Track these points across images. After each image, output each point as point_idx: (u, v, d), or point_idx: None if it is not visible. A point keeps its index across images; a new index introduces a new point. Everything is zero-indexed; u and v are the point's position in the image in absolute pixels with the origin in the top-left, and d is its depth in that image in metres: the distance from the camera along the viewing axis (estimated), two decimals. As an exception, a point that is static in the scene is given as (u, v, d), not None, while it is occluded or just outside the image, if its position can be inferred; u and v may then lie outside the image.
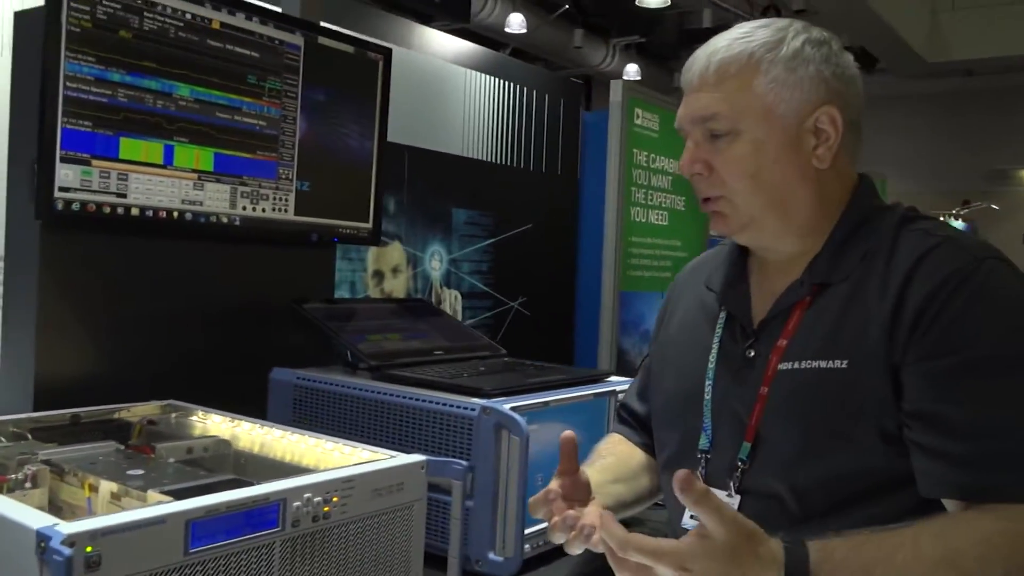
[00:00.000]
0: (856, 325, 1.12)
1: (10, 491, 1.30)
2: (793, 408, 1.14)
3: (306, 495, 1.26)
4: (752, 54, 1.18)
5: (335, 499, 1.30)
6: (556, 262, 4.69)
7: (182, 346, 1.97)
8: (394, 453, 1.46)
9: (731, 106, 1.18)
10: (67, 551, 0.98)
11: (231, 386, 1.90)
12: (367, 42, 2.24)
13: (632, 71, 10.58)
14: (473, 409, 1.63)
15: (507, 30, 8.94)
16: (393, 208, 3.87)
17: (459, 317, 4.29)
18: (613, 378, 1.98)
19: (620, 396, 1.87)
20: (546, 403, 1.73)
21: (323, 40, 2.12)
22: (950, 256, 1.10)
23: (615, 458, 1.43)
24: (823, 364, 1.12)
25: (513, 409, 1.62)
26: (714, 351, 1.28)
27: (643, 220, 4.73)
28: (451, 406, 1.66)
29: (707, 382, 1.26)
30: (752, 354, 1.22)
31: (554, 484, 1.18)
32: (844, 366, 1.10)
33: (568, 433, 1.17)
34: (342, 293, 3.67)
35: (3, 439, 1.48)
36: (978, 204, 10.46)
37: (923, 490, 1.05)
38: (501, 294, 4.47)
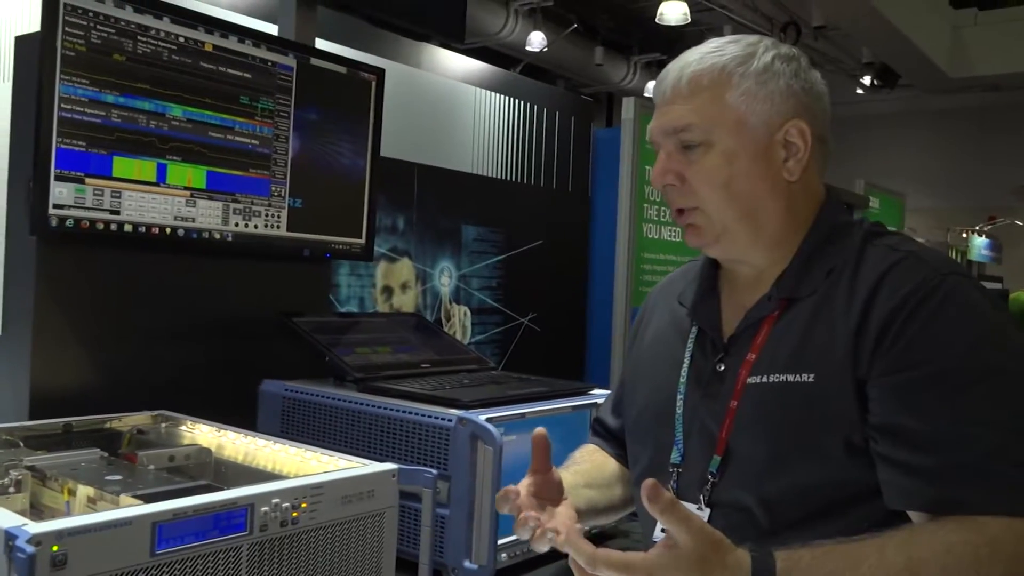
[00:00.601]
0: (822, 339, 1.13)
1: (-5, 495, 1.35)
2: (761, 421, 1.16)
3: (274, 500, 1.30)
4: (724, 67, 1.21)
5: (304, 505, 1.34)
6: (567, 278, 4.71)
7: (175, 358, 2.03)
8: (368, 462, 1.50)
9: (704, 117, 1.20)
10: (31, 549, 1.03)
11: (223, 397, 1.95)
12: (360, 63, 2.29)
13: (652, 88, 10.60)
14: (450, 420, 1.67)
15: (528, 48, 9.02)
16: (402, 225, 3.93)
17: (468, 333, 4.33)
18: (596, 391, 2.01)
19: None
20: (523, 415, 1.76)
21: (316, 61, 2.18)
22: (913, 270, 1.11)
23: (590, 464, 1.45)
24: (790, 378, 1.14)
25: (489, 420, 1.65)
26: (685, 366, 1.29)
27: (656, 236, 4.74)
28: (429, 417, 1.71)
29: (678, 396, 1.28)
30: (722, 368, 1.23)
31: (526, 481, 1.19)
32: (811, 380, 1.12)
33: (540, 430, 1.19)
34: (351, 308, 3.73)
35: (-5, 446, 1.55)
36: (1002, 220, 10.35)
37: (888, 502, 1.06)
38: (511, 310, 4.51)
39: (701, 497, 1.20)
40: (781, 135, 1.21)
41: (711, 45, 1.26)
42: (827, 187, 1.30)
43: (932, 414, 1.04)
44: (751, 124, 1.20)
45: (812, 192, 1.26)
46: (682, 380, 1.29)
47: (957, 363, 1.05)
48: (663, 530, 1.24)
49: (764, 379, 1.17)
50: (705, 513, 1.19)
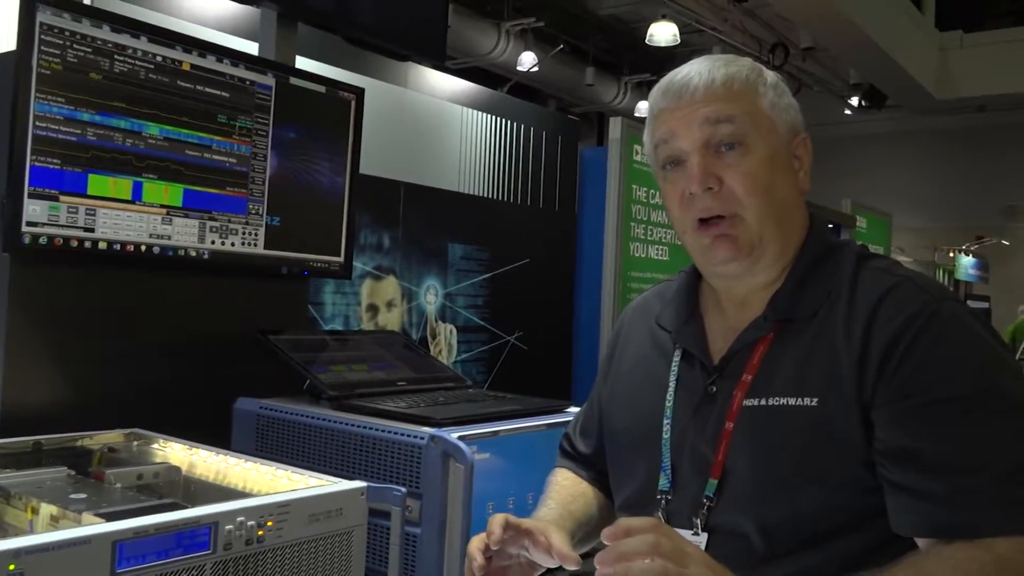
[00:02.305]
0: (824, 363, 1.12)
1: (-43, 513, 1.35)
2: (761, 445, 1.14)
3: (239, 519, 1.30)
4: (748, 77, 1.21)
5: (270, 523, 1.34)
6: (553, 297, 4.72)
7: (150, 376, 2.03)
8: (338, 480, 1.50)
9: (745, 115, 1.18)
10: (-14, 568, 1.02)
11: (198, 415, 1.95)
12: (339, 82, 2.30)
13: (643, 108, 10.69)
14: (422, 438, 1.67)
15: (519, 68, 9.07)
16: (388, 243, 3.94)
17: (454, 351, 4.34)
18: (571, 409, 2.01)
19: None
20: (496, 432, 1.76)
21: (295, 80, 2.19)
22: (912, 295, 1.11)
23: (569, 486, 1.43)
24: (792, 401, 1.12)
25: (461, 438, 1.65)
26: (671, 389, 1.27)
27: (643, 255, 4.75)
28: (401, 435, 1.70)
29: (665, 421, 1.25)
30: (715, 390, 1.21)
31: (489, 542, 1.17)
32: (815, 404, 1.11)
33: (497, 518, 1.16)
34: (336, 326, 3.73)
35: (-39, 464, 1.54)
36: (989, 240, 10.41)
37: (896, 527, 1.05)
38: (497, 328, 4.51)
39: (696, 522, 1.17)
40: (794, 146, 1.22)
41: (718, 60, 1.24)
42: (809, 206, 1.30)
43: (939, 439, 1.03)
44: (780, 131, 1.20)
45: (804, 210, 1.26)
46: (668, 404, 1.26)
47: (965, 388, 1.05)
48: None
49: (762, 402, 1.15)
50: (702, 539, 1.16)
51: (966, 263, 10.91)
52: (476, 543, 1.17)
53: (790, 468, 1.11)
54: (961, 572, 0.98)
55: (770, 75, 1.23)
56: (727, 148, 1.17)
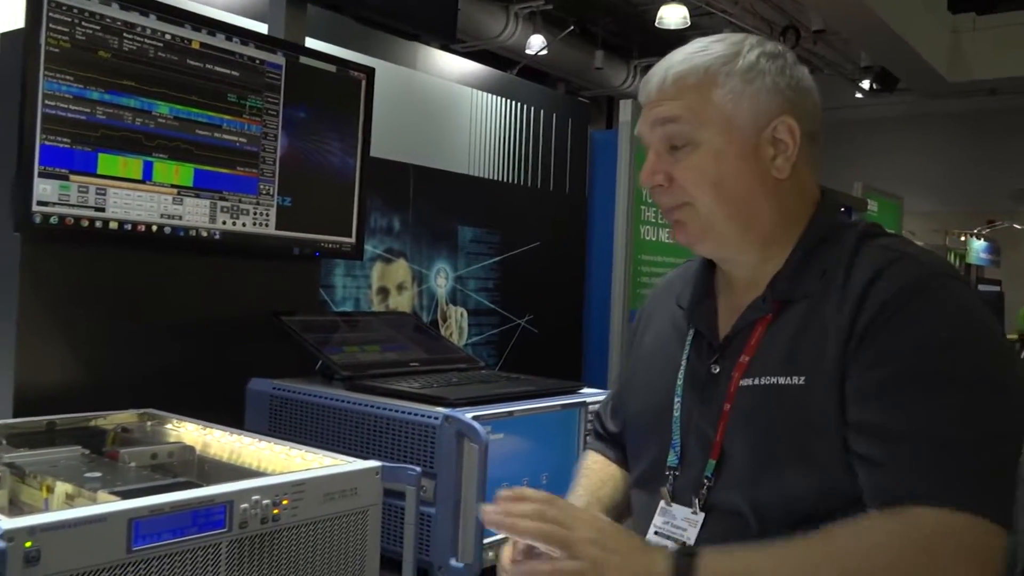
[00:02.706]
0: (813, 341, 1.12)
1: (-28, 492, 1.34)
2: (753, 424, 1.15)
3: (254, 497, 1.29)
4: (708, 67, 1.21)
5: (285, 502, 1.33)
6: (564, 280, 4.71)
7: (162, 357, 2.02)
8: (352, 459, 1.49)
9: (691, 113, 1.20)
10: (2, 545, 1.01)
11: (211, 396, 1.94)
12: (349, 62, 2.28)
13: (653, 92, 10.63)
14: (436, 418, 1.66)
15: (528, 51, 9.03)
16: (398, 226, 3.92)
17: (465, 334, 4.33)
18: (585, 389, 2.00)
19: (592, 407, 1.89)
20: (510, 412, 1.75)
21: (304, 60, 2.17)
22: (907, 270, 1.10)
23: (598, 473, 1.48)
24: (782, 380, 1.13)
25: (475, 418, 1.64)
26: (682, 368, 1.29)
27: (653, 239, 4.74)
28: (416, 415, 1.69)
29: (676, 399, 1.27)
30: (716, 370, 1.23)
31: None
32: (802, 382, 1.11)
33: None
34: (347, 309, 3.72)
35: (-25, 444, 1.54)
36: (1000, 223, 10.35)
37: (866, 501, 1.04)
38: (508, 311, 4.50)
39: (696, 501, 1.19)
40: (769, 132, 1.20)
41: (696, 45, 1.25)
42: (823, 189, 1.29)
43: (893, 408, 1.03)
44: (738, 123, 1.20)
45: (805, 191, 1.25)
46: (679, 382, 1.28)
47: (929, 362, 1.04)
48: (656, 532, 1.23)
49: (756, 381, 1.16)
50: (700, 517, 1.18)
51: (977, 247, 10.85)
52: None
53: (780, 447, 1.11)
54: (866, 539, 0.98)
55: (747, 59, 1.21)
56: (678, 147, 1.21)
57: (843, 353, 1.08)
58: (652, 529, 1.24)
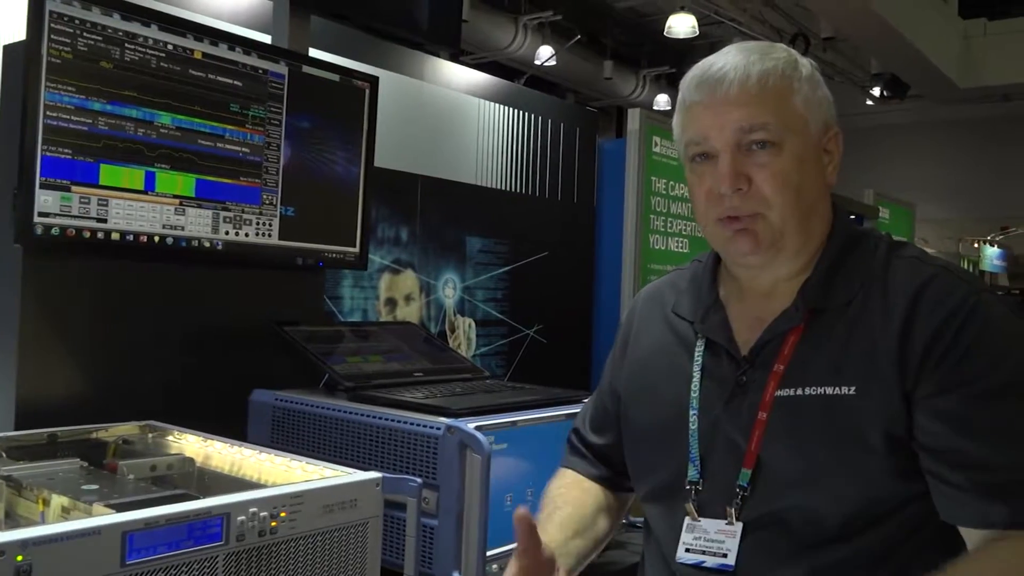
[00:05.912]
0: (861, 352, 1.12)
1: (-32, 505, 1.33)
2: (798, 434, 1.13)
3: (252, 509, 1.27)
4: (784, 71, 1.19)
5: (283, 514, 1.32)
6: (572, 290, 4.68)
7: (164, 368, 2.01)
8: (353, 470, 1.47)
9: (778, 117, 1.17)
10: (-7, 559, 1.00)
11: (213, 407, 1.93)
12: (352, 70, 2.28)
13: (662, 101, 10.64)
14: (438, 428, 1.64)
15: (536, 62, 9.03)
16: (406, 236, 3.92)
17: (473, 345, 4.31)
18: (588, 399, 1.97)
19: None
20: (514, 423, 1.73)
21: (308, 69, 2.16)
22: (951, 287, 1.11)
23: (571, 508, 1.36)
24: (829, 390, 1.12)
25: (479, 428, 1.62)
26: (696, 380, 1.25)
27: (662, 248, 4.72)
28: (418, 425, 1.68)
29: (691, 411, 1.24)
30: (745, 380, 1.20)
31: (515, 566, 1.13)
32: (852, 392, 1.10)
33: (520, 511, 1.10)
34: (354, 319, 3.71)
35: (-25, 456, 1.53)
36: (1014, 230, 10.28)
37: (945, 516, 1.06)
38: (516, 322, 4.48)
39: (731, 511, 1.16)
40: (825, 141, 1.21)
41: (754, 48, 1.22)
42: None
43: (986, 432, 1.04)
44: (812, 129, 1.19)
45: (828, 202, 1.25)
46: (694, 394, 1.24)
47: (1008, 380, 1.06)
48: (687, 550, 1.20)
49: (797, 392, 1.14)
50: (737, 528, 1.16)
51: (991, 254, 10.78)
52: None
53: (829, 456, 1.10)
54: (1004, 566, 1.00)
55: (805, 66, 1.21)
56: (759, 147, 1.17)
57: (900, 368, 1.09)
58: (682, 547, 1.20)
